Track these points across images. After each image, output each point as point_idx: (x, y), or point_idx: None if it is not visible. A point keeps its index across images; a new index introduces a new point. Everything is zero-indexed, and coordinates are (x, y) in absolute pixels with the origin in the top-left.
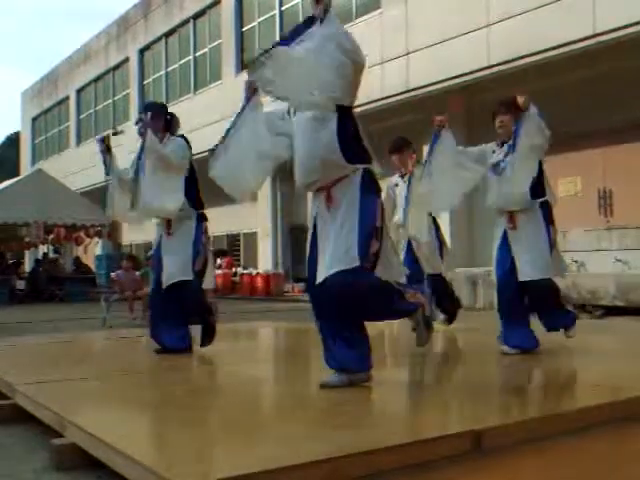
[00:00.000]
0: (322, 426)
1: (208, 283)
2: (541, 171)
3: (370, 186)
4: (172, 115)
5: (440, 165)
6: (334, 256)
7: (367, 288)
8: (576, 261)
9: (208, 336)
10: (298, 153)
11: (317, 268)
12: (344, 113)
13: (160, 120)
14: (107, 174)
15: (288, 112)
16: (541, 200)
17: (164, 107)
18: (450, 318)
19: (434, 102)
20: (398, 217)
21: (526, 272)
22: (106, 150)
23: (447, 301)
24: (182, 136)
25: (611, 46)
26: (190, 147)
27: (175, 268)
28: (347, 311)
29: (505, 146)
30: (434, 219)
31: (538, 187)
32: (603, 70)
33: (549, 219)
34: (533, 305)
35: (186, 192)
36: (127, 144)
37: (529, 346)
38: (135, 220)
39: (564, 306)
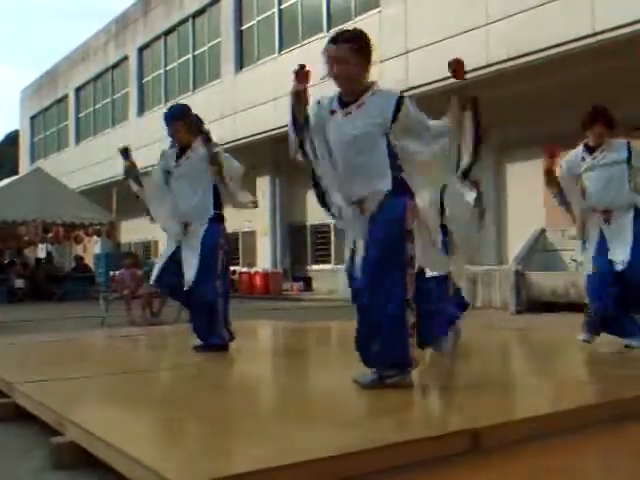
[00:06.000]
0: (320, 425)
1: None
2: None
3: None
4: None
5: None
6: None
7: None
8: (575, 260)
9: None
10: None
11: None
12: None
13: (192, 124)
14: (139, 186)
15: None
16: None
17: (189, 109)
18: None
19: (433, 101)
20: None
21: None
22: (129, 161)
23: None
24: (207, 137)
25: (610, 45)
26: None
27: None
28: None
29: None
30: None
31: None
32: (602, 69)
33: None
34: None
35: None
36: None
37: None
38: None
39: None
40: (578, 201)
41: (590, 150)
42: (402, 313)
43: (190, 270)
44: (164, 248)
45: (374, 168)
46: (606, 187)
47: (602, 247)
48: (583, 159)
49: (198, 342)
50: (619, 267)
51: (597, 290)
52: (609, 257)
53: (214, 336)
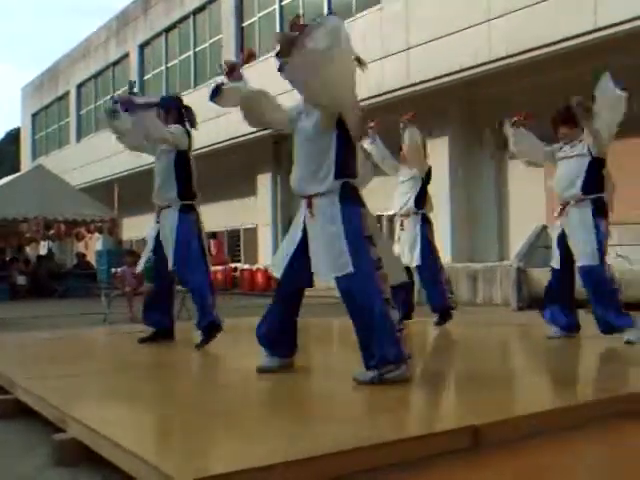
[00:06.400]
0: (318, 422)
1: None
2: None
3: (352, 199)
4: (187, 107)
5: None
6: (327, 263)
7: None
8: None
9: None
10: (297, 161)
11: (304, 265)
12: (343, 129)
13: (173, 114)
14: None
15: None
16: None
17: (177, 100)
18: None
19: (434, 98)
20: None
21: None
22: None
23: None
24: (185, 127)
25: (612, 41)
26: (190, 136)
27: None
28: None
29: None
30: (424, 215)
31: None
32: (604, 66)
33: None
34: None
35: (177, 182)
36: None
37: None
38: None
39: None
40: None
41: (567, 142)
42: (386, 311)
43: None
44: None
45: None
46: (564, 179)
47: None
48: (561, 148)
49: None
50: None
51: None
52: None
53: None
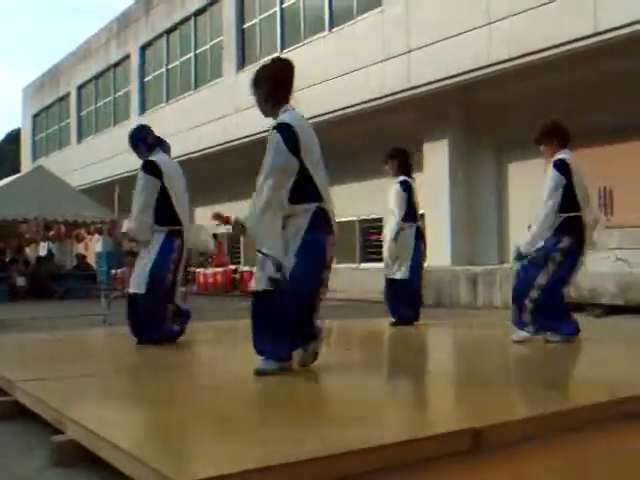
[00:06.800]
0: (319, 424)
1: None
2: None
3: (317, 225)
4: (156, 139)
5: None
6: None
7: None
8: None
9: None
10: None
11: None
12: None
13: (144, 146)
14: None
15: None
16: None
17: (145, 130)
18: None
19: (434, 100)
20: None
21: None
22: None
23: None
24: (146, 162)
25: (612, 45)
26: (157, 171)
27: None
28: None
29: None
30: (418, 228)
31: None
32: (604, 69)
33: None
34: None
35: (156, 210)
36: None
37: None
38: None
39: None
40: None
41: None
42: None
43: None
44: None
45: None
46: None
47: None
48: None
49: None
50: None
51: None
52: None
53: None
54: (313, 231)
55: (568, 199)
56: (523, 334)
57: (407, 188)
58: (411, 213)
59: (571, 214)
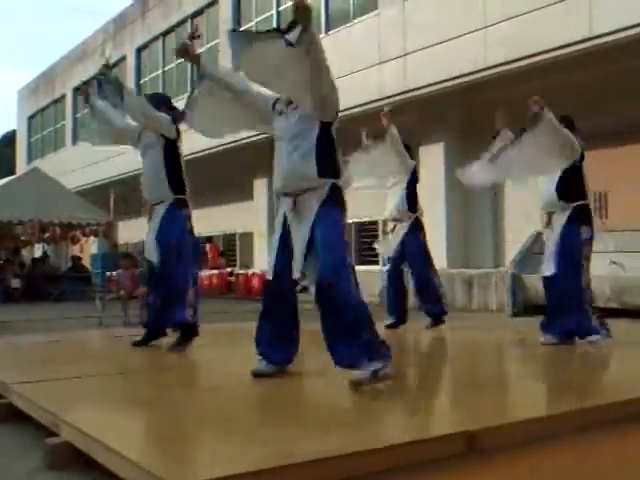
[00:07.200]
0: (313, 427)
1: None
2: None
3: (335, 200)
4: (175, 108)
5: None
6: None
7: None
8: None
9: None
10: (279, 160)
11: (286, 262)
12: (325, 127)
13: (163, 110)
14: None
15: (273, 107)
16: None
17: (166, 97)
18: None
19: (431, 103)
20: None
21: None
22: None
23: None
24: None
25: (607, 49)
26: (179, 131)
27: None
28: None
29: None
30: (417, 219)
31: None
32: (599, 73)
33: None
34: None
35: (168, 176)
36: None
37: None
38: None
39: None
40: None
41: None
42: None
43: (153, 255)
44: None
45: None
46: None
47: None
48: None
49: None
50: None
51: None
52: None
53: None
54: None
55: (578, 185)
56: (600, 337)
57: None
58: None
59: (582, 202)
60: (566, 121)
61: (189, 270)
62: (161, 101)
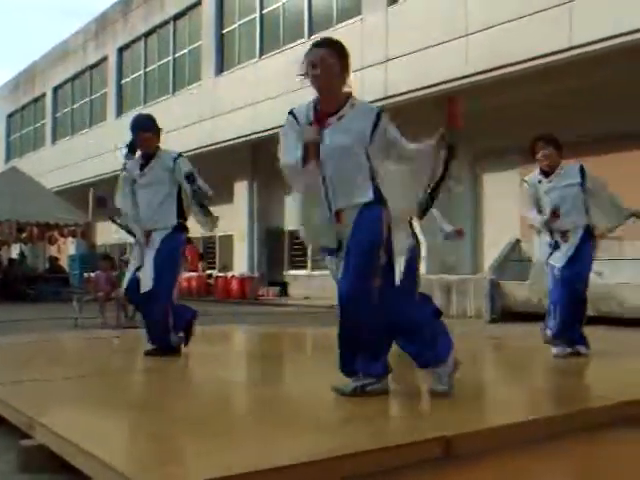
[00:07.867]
0: (295, 432)
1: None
2: None
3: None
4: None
5: None
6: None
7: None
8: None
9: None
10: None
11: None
12: None
13: (157, 134)
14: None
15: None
16: None
17: (154, 119)
18: None
19: (412, 110)
20: None
21: None
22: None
23: None
24: (179, 154)
25: (587, 59)
26: None
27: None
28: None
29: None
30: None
31: None
32: (578, 82)
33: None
34: None
35: (178, 206)
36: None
37: None
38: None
39: None
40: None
41: (546, 174)
42: (380, 324)
43: (146, 276)
44: (133, 254)
45: (354, 181)
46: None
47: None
48: (540, 182)
49: (149, 346)
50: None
51: None
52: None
53: (167, 340)
54: None
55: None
56: (583, 349)
57: None
58: None
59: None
60: (554, 142)
61: (172, 294)
62: (152, 125)
